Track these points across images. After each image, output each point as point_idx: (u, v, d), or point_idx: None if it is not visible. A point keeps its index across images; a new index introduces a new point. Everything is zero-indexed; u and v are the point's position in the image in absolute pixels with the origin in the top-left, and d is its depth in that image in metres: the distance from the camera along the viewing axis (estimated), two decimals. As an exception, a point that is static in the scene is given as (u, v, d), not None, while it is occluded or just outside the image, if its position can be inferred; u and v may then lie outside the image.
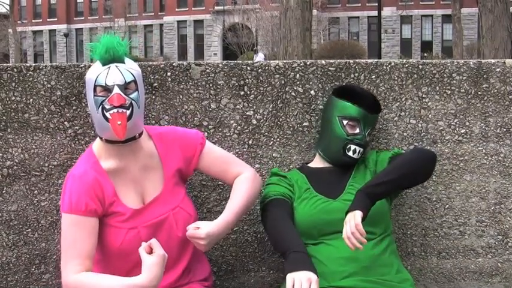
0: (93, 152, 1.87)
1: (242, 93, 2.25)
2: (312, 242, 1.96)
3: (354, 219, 1.75)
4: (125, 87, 1.79)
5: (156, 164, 1.92)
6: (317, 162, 2.16)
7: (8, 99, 2.15)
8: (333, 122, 2.09)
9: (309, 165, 2.17)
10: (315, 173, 2.11)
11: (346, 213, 1.81)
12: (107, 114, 1.77)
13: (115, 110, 1.77)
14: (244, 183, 1.95)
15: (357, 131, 2.06)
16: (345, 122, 2.06)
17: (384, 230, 1.98)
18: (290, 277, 1.71)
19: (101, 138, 1.86)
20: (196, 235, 1.78)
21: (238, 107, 2.25)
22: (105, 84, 1.78)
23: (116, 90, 1.77)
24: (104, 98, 1.78)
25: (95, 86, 1.79)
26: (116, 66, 1.80)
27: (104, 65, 1.80)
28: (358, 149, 2.06)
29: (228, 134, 2.25)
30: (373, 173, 2.06)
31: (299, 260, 1.77)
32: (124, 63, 1.83)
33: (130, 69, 1.83)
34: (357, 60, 2.29)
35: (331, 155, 2.10)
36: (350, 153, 2.05)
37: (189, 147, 1.96)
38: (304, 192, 2.05)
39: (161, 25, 43.92)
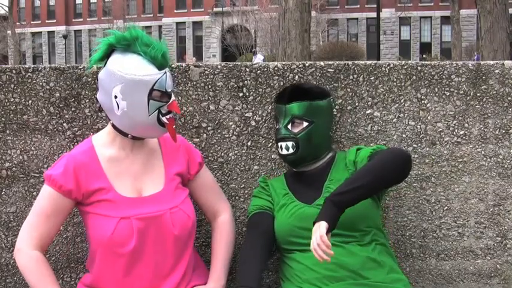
0: (91, 141, 1.89)
1: (241, 94, 2.25)
2: (298, 248, 1.96)
3: (319, 230, 1.71)
4: (173, 94, 1.87)
5: (158, 163, 1.93)
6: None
7: (6, 100, 2.15)
8: None
9: (295, 168, 2.13)
10: (295, 176, 2.10)
11: (314, 223, 1.77)
12: (163, 118, 1.80)
13: (170, 115, 1.82)
14: (224, 236, 2.03)
15: (277, 127, 2.08)
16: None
17: (368, 232, 1.94)
18: None
19: (124, 134, 1.85)
20: None
21: (237, 108, 2.25)
22: (166, 90, 1.80)
23: (173, 97, 1.83)
24: (163, 103, 1.79)
25: (153, 90, 1.77)
26: (168, 72, 1.82)
27: (159, 69, 1.79)
28: (283, 144, 2.03)
29: (227, 135, 2.25)
30: (352, 174, 1.99)
31: None
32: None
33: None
34: (355, 62, 2.29)
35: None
36: (280, 151, 2.06)
37: (192, 156, 2.01)
38: (282, 198, 2.05)
39: (160, 26, 43.95)
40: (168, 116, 1.81)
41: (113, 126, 1.86)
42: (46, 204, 1.82)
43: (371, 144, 2.28)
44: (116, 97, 1.77)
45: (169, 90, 1.82)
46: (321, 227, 1.72)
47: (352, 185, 1.78)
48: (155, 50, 1.78)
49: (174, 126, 1.84)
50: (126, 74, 1.75)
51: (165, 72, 1.80)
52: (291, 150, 2.02)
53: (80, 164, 1.82)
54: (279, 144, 2.05)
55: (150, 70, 1.77)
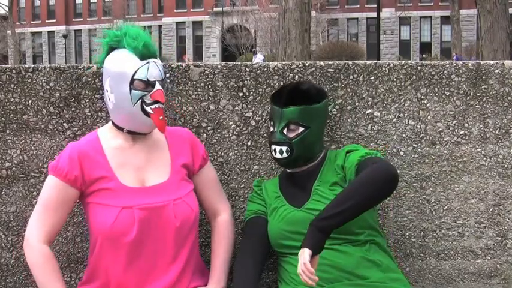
0: (96, 132, 1.94)
1: (241, 94, 2.25)
2: (290, 251, 1.95)
3: (303, 256, 1.72)
4: (160, 83, 1.86)
5: (164, 155, 1.94)
6: None
7: (6, 100, 2.15)
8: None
9: (288, 169, 2.12)
10: (287, 178, 2.10)
11: (300, 247, 1.76)
12: (148, 108, 1.82)
13: (157, 105, 1.83)
14: (224, 237, 2.04)
15: (271, 130, 2.05)
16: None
17: (360, 233, 1.93)
18: None
19: (120, 128, 1.89)
20: None
21: (237, 108, 2.25)
22: (147, 79, 1.82)
23: (158, 86, 1.84)
24: (146, 93, 1.82)
25: (133, 80, 1.81)
26: (154, 62, 1.85)
27: (141, 59, 1.82)
28: (277, 148, 2.00)
29: (227, 135, 2.25)
30: (341, 179, 1.97)
31: None
32: (157, 59, 1.88)
33: (162, 65, 1.89)
34: (355, 62, 2.29)
35: None
36: (273, 154, 2.03)
37: (196, 149, 2.02)
38: (274, 201, 2.05)
39: (160, 26, 43.93)
40: (153, 106, 1.83)
41: (112, 122, 1.91)
42: (52, 195, 1.84)
43: (371, 144, 2.28)
44: (107, 91, 1.86)
45: (153, 79, 1.83)
46: (305, 254, 1.72)
47: (337, 209, 1.76)
48: (137, 41, 1.82)
49: (161, 118, 1.84)
50: (111, 67, 1.84)
51: (148, 62, 1.83)
52: (284, 155, 2.00)
53: (84, 152, 1.85)
54: (273, 147, 2.02)
55: (132, 61, 1.82)
